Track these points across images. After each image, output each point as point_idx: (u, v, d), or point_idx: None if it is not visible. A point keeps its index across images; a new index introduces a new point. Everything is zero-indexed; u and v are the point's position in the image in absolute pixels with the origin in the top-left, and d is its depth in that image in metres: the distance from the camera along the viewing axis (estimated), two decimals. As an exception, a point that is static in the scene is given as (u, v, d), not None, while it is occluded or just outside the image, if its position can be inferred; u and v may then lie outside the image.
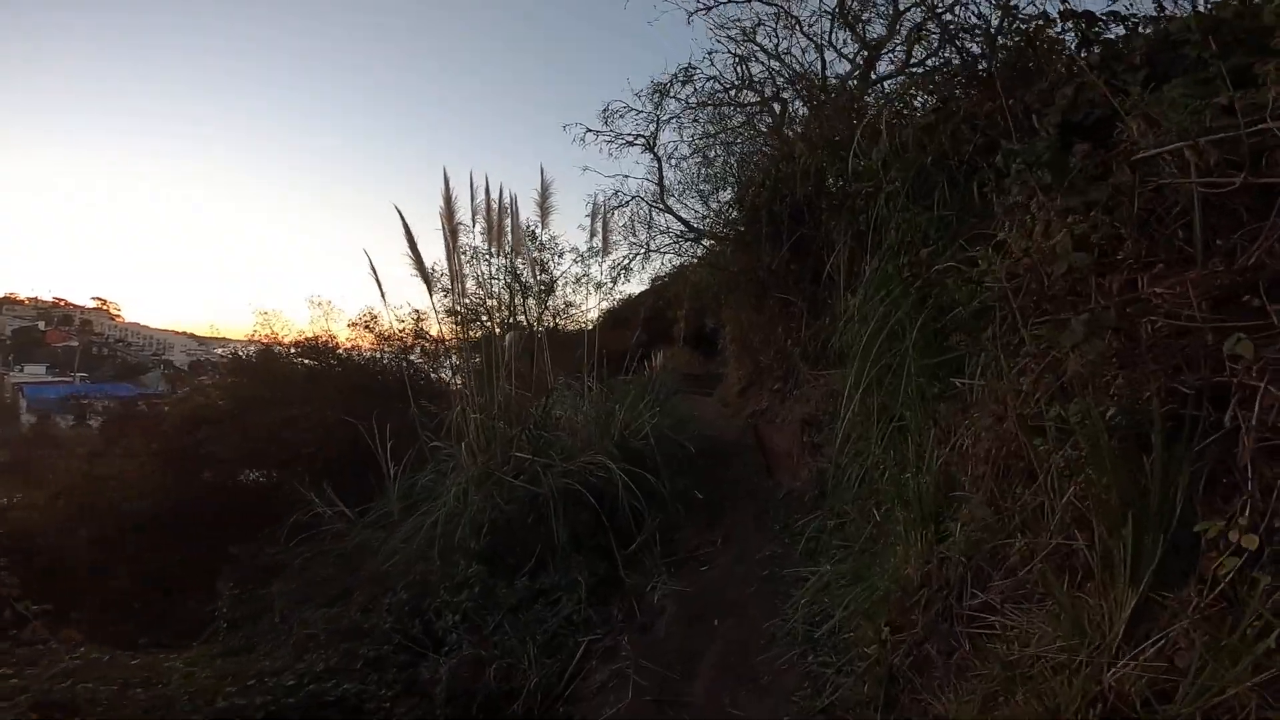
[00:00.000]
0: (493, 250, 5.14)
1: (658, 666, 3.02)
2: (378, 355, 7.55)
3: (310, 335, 7.43)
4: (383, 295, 5.08)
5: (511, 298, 12.97)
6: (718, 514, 5.24)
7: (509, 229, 5.30)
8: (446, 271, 5.31)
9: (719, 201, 8.01)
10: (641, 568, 4.04)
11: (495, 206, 5.08)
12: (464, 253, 12.21)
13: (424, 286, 4.65)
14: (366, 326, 7.82)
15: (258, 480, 6.13)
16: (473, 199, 5.05)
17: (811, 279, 5.22)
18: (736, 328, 9.03)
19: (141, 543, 5.56)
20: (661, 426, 5.81)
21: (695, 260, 10.52)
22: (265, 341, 7.56)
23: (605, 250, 6.14)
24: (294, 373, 6.66)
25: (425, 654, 3.56)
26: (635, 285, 12.18)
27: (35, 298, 64.41)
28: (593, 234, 5.87)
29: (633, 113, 9.03)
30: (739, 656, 2.89)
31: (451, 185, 4.80)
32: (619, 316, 16.93)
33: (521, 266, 12.23)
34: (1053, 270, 1.57)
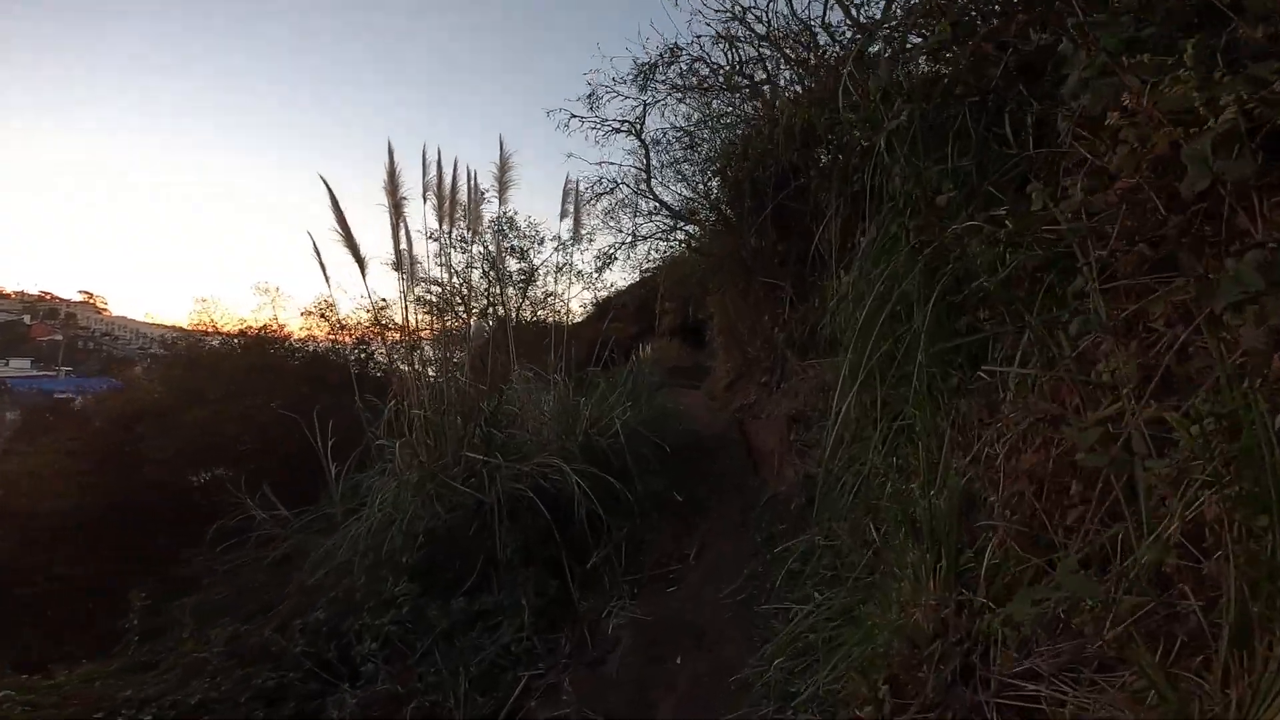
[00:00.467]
0: (444, 229, 4.55)
1: (603, 716, 2.48)
2: (334, 346, 6.95)
3: (250, 325, 6.82)
4: (327, 279, 4.46)
5: (489, 285, 12.41)
6: (694, 520, 4.72)
7: (468, 206, 4.75)
8: (397, 254, 4.69)
9: (705, 183, 7.45)
10: (599, 587, 3.49)
11: (449, 181, 4.52)
12: (434, 238, 11.65)
13: (364, 268, 4.04)
14: (322, 315, 7.22)
15: (196, 479, 5.56)
16: (424, 174, 4.48)
17: (798, 259, 4.68)
18: (723, 317, 8.49)
19: (64, 546, 4.98)
20: (634, 422, 5.28)
21: (681, 246, 9.96)
22: (206, 331, 6.95)
23: (577, 230, 5.56)
24: (233, 365, 6.07)
25: (338, 685, 3.01)
26: (623, 277, 11.62)
27: (21, 291, 63.58)
28: (563, 214, 5.29)
29: (619, 98, 8.51)
30: (701, 708, 2.34)
31: (400, 161, 4.26)
32: (606, 308, 16.43)
33: (489, 249, 11.69)
34: (1178, 193, 1.02)
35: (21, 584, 5.04)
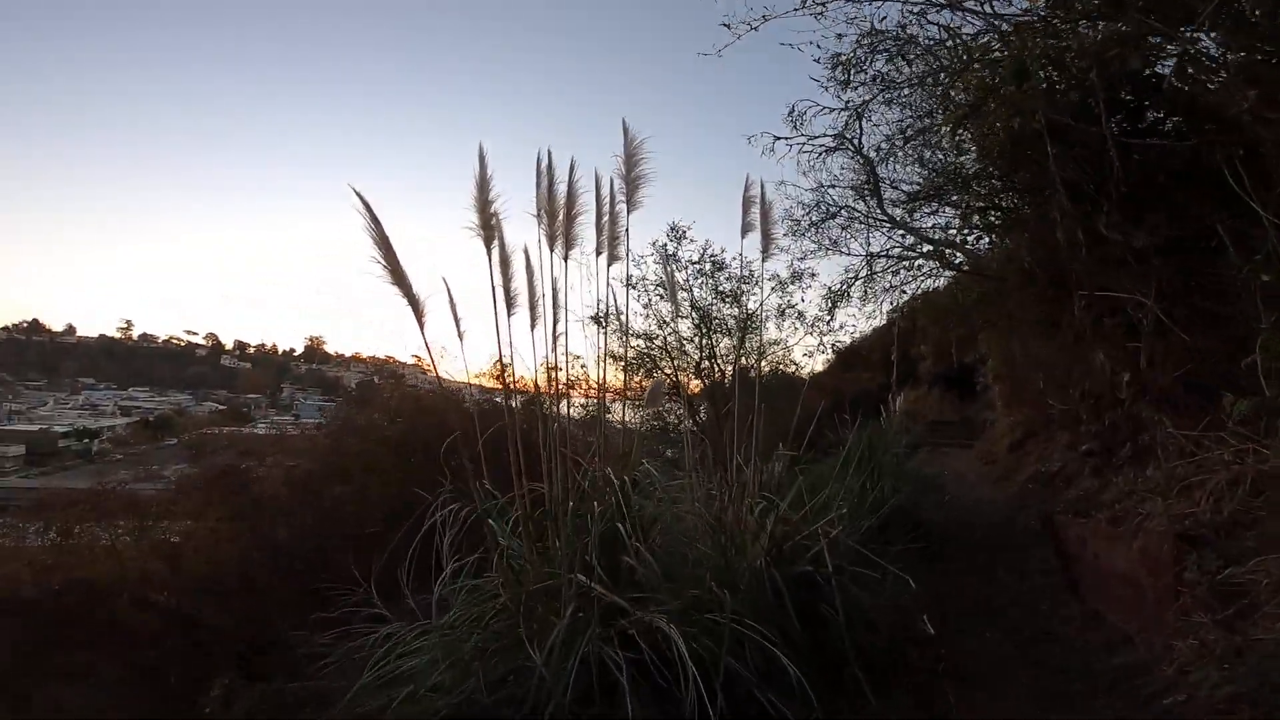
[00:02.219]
0: (555, 252, 3.29)
1: None
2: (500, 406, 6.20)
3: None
4: (458, 328, 3.43)
5: (703, 334, 11.08)
6: (939, 705, 2.68)
7: (602, 223, 3.46)
8: (532, 294, 3.51)
9: (953, 159, 5.18)
10: None
11: (563, 190, 3.29)
12: (633, 286, 10.59)
13: (417, 311, 2.92)
14: (496, 377, 6.53)
15: (326, 559, 5.21)
16: (537, 186, 3.31)
17: (1177, 244, 2.41)
18: (1002, 356, 5.97)
19: (204, 612, 4.81)
20: (857, 533, 3.35)
21: (934, 269, 7.65)
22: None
23: (766, 245, 3.90)
24: (385, 434, 5.64)
25: None
26: (855, 316, 9.37)
27: (374, 355, 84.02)
28: (745, 230, 3.72)
29: (824, 111, 6.89)
30: None
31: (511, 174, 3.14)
32: (849, 357, 14.22)
33: (696, 296, 10.31)
34: None
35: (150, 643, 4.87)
